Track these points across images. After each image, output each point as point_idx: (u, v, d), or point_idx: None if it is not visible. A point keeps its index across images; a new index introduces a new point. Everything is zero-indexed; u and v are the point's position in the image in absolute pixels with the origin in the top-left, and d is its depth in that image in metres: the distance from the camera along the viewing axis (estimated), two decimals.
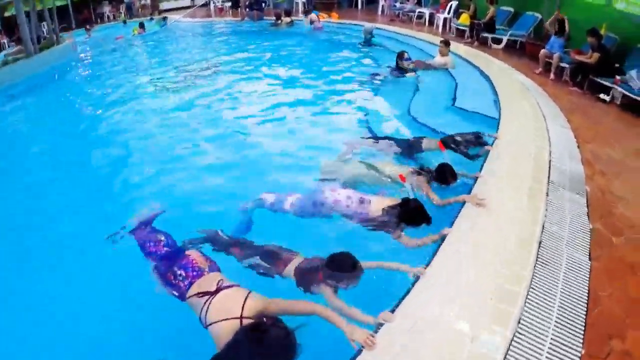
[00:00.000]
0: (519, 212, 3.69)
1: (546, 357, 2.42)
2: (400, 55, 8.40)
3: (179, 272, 2.85)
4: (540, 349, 2.46)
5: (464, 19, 12.06)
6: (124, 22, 16.97)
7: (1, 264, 3.62)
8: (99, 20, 18.62)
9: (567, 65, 8.26)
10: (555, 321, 2.67)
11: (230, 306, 2.45)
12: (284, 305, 2.50)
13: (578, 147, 5.32)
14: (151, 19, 17.34)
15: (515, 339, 2.48)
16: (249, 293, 2.54)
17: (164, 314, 2.81)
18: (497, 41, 11.03)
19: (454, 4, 12.99)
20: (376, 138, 5.46)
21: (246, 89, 8.43)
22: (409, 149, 4.98)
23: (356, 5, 18.34)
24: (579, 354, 2.48)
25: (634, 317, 2.82)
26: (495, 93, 6.97)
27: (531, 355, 2.41)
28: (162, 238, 3.32)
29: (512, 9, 11.56)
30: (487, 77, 7.91)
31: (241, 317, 2.38)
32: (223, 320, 2.39)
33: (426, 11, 14.25)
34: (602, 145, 5.47)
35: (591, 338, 2.62)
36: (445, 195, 3.94)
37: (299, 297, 2.70)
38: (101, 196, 4.71)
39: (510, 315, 2.61)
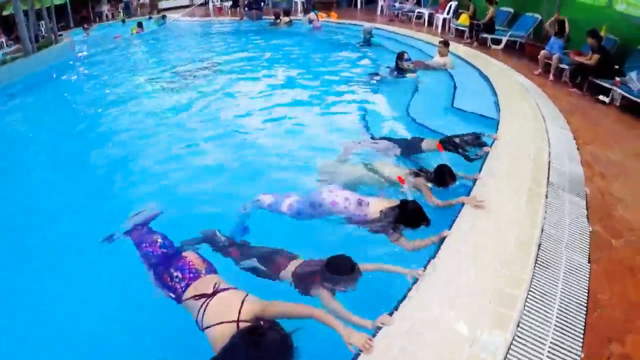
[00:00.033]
0: (519, 214, 3.68)
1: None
2: (400, 56, 8.37)
3: (175, 273, 2.83)
4: (539, 352, 2.44)
5: (464, 19, 12.04)
6: (123, 21, 16.92)
7: (1, 264, 3.61)
8: (97, 19, 18.55)
9: (566, 67, 8.25)
10: (555, 324, 2.65)
11: (227, 309, 2.43)
12: (281, 309, 2.47)
13: (577, 148, 5.30)
14: (150, 17, 17.29)
15: (514, 342, 2.46)
16: (246, 296, 2.52)
17: (164, 314, 2.80)
18: (497, 42, 11.02)
19: (454, 4, 12.97)
20: (374, 139, 5.44)
21: (244, 88, 8.41)
22: (407, 150, 4.95)
23: (355, 5, 18.32)
24: (579, 358, 2.47)
25: (634, 321, 2.81)
26: (495, 94, 6.95)
27: (531, 358, 2.39)
28: (159, 239, 3.29)
29: (511, 10, 11.54)
30: (486, 78, 7.89)
31: (238, 321, 2.35)
32: (220, 323, 2.37)
33: (425, 11, 14.23)
34: (601, 147, 5.46)
35: (591, 341, 2.60)
36: (445, 197, 3.92)
37: (296, 299, 2.68)
38: (101, 196, 4.70)
39: (510, 318, 2.59)
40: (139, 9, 19.54)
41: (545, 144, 5.12)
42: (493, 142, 5.01)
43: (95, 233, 3.68)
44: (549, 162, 4.65)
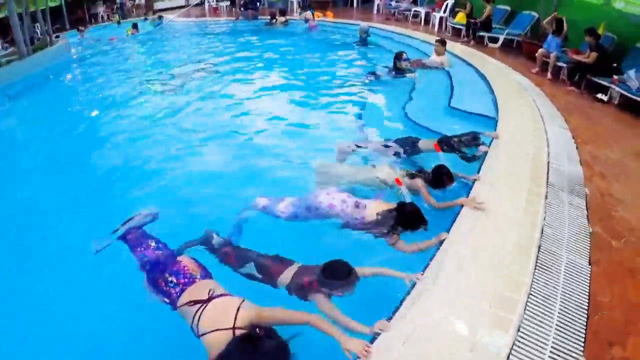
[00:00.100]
0: (518, 215, 3.64)
1: None
2: (398, 56, 8.29)
3: (169, 278, 2.80)
4: (540, 356, 2.40)
5: (460, 17, 12.00)
6: (118, 22, 16.80)
7: (1, 264, 3.61)
8: (92, 21, 18.42)
9: (564, 65, 8.23)
10: (556, 327, 2.62)
11: (222, 316, 2.39)
12: (277, 315, 2.44)
13: (577, 148, 5.27)
14: (145, 19, 17.19)
15: (515, 345, 2.42)
16: (242, 302, 2.48)
17: (164, 314, 2.77)
18: (494, 40, 10.99)
19: (450, 2, 12.91)
20: (372, 139, 5.39)
21: (240, 89, 8.34)
22: (405, 150, 4.90)
23: (351, 4, 18.25)
24: None
25: (635, 323, 2.78)
26: (492, 93, 6.91)
27: None
28: (153, 243, 3.26)
29: (508, 8, 11.50)
30: (483, 77, 7.85)
31: (234, 328, 2.32)
32: (215, 330, 2.33)
33: (422, 10, 14.17)
34: (600, 146, 5.43)
35: (592, 344, 2.57)
36: (443, 198, 3.88)
37: (293, 305, 2.64)
38: (101, 196, 4.68)
39: (510, 322, 2.56)
40: (134, 10, 19.42)
41: (544, 143, 5.08)
42: (491, 142, 4.97)
43: (96, 233, 3.66)
44: (548, 162, 4.61)
